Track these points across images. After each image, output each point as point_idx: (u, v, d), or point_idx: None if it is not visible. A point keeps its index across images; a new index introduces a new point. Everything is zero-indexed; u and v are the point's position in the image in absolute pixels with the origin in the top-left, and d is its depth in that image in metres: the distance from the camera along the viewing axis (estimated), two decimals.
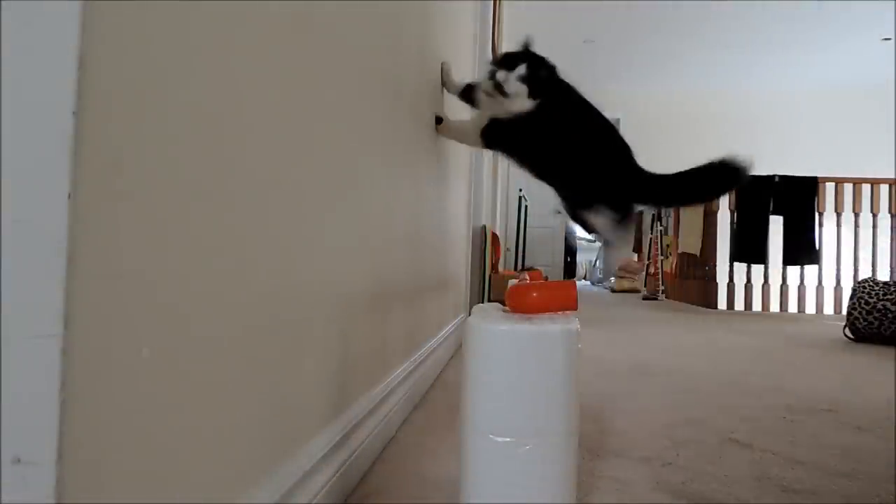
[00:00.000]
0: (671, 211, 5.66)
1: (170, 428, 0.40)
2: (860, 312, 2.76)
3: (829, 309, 4.60)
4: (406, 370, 1.17)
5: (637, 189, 1.48)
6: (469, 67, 2.32)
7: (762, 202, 4.59)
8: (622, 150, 1.45)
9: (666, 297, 5.75)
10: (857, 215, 4.55)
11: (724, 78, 7.36)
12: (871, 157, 7.04)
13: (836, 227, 4.63)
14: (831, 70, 7.05)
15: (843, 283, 4.57)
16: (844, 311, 2.95)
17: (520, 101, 1.32)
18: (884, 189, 4.60)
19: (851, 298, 2.84)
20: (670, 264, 5.72)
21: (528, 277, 0.76)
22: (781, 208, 4.56)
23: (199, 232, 0.43)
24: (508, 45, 5.30)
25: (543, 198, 7.31)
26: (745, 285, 4.69)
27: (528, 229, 5.64)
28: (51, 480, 0.30)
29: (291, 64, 0.58)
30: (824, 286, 4.62)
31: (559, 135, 1.39)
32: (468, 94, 1.45)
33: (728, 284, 4.73)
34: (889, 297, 2.69)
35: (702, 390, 1.52)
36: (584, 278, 9.18)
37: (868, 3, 5.31)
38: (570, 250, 8.07)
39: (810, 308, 4.62)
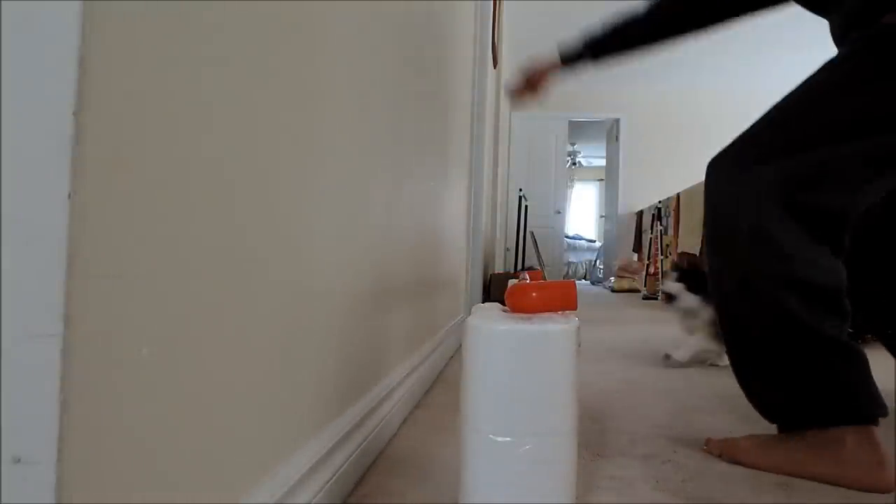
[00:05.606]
0: (671, 211, 5.66)
1: (169, 428, 0.40)
2: None
3: None
4: (406, 370, 1.17)
5: None
6: (469, 67, 2.31)
7: None
8: None
9: None
10: None
11: (725, 78, 7.36)
12: None
13: None
14: None
15: None
16: None
17: None
18: None
19: None
20: (670, 264, 5.73)
21: (528, 277, 0.76)
22: None
23: (199, 232, 0.43)
24: (508, 45, 5.30)
25: (543, 198, 7.33)
26: None
27: (528, 229, 5.63)
28: (51, 480, 0.30)
29: (291, 62, 0.58)
30: None
31: None
32: None
33: None
34: None
35: (702, 389, 1.52)
36: (584, 278, 9.19)
37: None
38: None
39: None
